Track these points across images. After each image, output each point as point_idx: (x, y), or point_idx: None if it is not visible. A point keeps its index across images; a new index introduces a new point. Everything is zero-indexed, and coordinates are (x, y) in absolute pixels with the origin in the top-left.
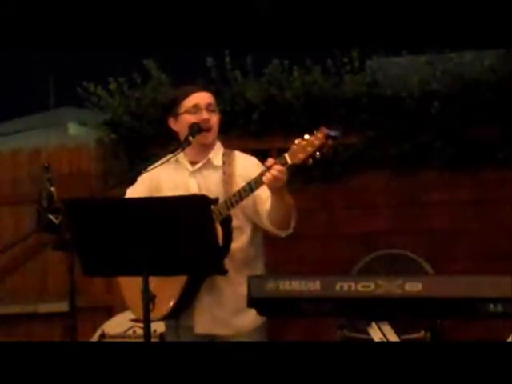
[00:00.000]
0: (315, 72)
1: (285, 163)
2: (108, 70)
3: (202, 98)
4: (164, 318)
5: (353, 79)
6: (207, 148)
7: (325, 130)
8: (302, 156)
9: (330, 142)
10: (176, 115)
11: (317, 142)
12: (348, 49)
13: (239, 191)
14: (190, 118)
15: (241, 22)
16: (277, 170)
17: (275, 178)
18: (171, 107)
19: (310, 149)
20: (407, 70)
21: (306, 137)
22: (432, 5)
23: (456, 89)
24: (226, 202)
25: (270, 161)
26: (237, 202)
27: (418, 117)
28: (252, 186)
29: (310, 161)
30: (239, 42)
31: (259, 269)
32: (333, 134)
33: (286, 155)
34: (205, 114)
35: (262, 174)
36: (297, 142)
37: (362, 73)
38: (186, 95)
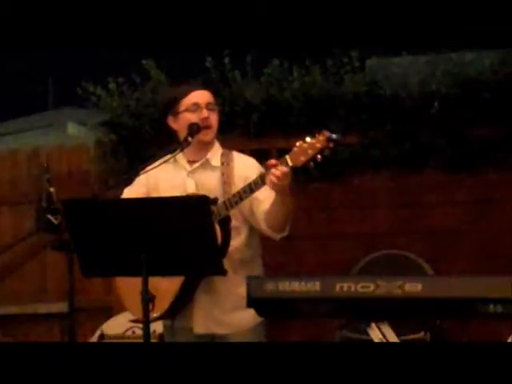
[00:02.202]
0: (315, 72)
1: (286, 165)
2: (107, 70)
3: (202, 96)
4: (160, 318)
5: (352, 79)
6: (206, 146)
7: (326, 133)
8: (303, 159)
9: (331, 144)
10: (176, 114)
11: (318, 145)
12: (348, 49)
13: (239, 192)
14: (190, 117)
15: (240, 22)
16: (280, 170)
17: (277, 178)
18: (171, 105)
19: (311, 151)
20: (407, 70)
21: (308, 139)
22: (432, 5)
23: (456, 89)
24: (225, 202)
25: (272, 161)
26: (236, 202)
27: (418, 117)
28: (252, 187)
29: (312, 164)
30: (238, 41)
31: (257, 269)
32: (334, 137)
33: (287, 157)
34: (205, 113)
35: (262, 176)
36: (298, 144)
37: (361, 73)
38: (186, 93)
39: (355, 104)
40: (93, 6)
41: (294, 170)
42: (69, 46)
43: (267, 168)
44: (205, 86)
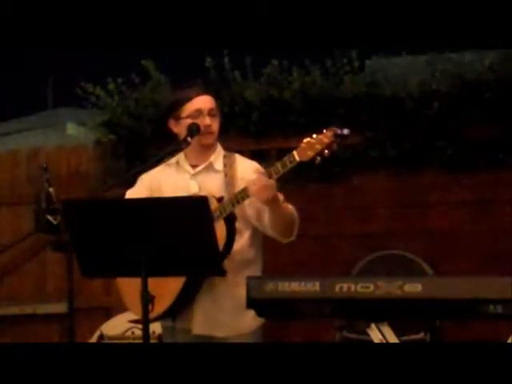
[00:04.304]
0: (314, 72)
1: (293, 160)
2: (107, 71)
3: (204, 102)
4: (158, 318)
5: (352, 79)
6: (207, 150)
7: (334, 129)
8: (310, 153)
9: (339, 140)
10: (178, 118)
11: (326, 140)
12: (347, 49)
13: (245, 188)
14: (192, 121)
15: (240, 23)
16: (261, 181)
17: (259, 189)
18: (173, 109)
19: (318, 146)
20: (407, 70)
21: (315, 135)
22: (432, 5)
23: (456, 89)
24: (231, 199)
25: (258, 174)
26: (242, 198)
27: (418, 117)
28: None
29: (318, 158)
30: (238, 42)
31: (258, 271)
32: (342, 132)
33: (295, 153)
34: (207, 120)
35: (268, 172)
36: (306, 140)
37: (361, 73)
38: (189, 99)
39: (355, 104)
40: (93, 7)
41: (294, 170)
42: (68, 47)
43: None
44: (207, 90)
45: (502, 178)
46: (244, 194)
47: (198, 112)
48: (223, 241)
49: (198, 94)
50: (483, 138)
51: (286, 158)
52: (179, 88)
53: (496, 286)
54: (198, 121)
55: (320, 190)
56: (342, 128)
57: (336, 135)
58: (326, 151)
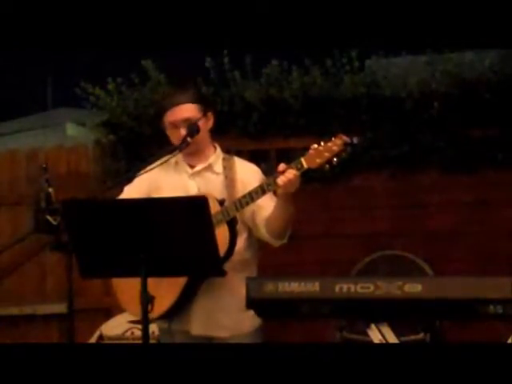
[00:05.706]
0: (314, 72)
1: (301, 167)
2: (106, 71)
3: (175, 115)
4: (159, 318)
5: (352, 79)
6: (202, 152)
7: (343, 137)
8: (318, 161)
9: (348, 148)
10: (163, 125)
11: (335, 148)
12: (347, 49)
13: (250, 193)
14: (171, 134)
15: (239, 22)
16: (292, 173)
17: (290, 181)
18: (159, 117)
19: (327, 154)
20: (407, 70)
21: (323, 142)
22: (431, 4)
23: (456, 89)
24: (235, 202)
25: (282, 166)
26: (247, 203)
27: (418, 117)
28: (264, 188)
29: (327, 166)
30: (238, 42)
31: (254, 271)
32: (352, 140)
33: (303, 159)
34: (182, 132)
35: (275, 177)
36: (314, 147)
37: (361, 73)
38: (164, 111)
39: (355, 104)
40: (92, 6)
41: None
42: (67, 47)
43: (278, 173)
44: (184, 96)
45: (502, 178)
46: (265, 187)
47: (172, 124)
48: (226, 244)
49: (169, 107)
50: (483, 138)
51: (293, 165)
52: (164, 94)
53: (496, 286)
54: (175, 132)
55: (320, 189)
56: (351, 136)
57: (345, 144)
58: (335, 159)
